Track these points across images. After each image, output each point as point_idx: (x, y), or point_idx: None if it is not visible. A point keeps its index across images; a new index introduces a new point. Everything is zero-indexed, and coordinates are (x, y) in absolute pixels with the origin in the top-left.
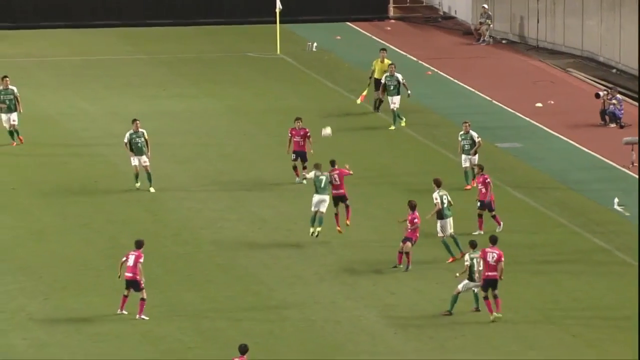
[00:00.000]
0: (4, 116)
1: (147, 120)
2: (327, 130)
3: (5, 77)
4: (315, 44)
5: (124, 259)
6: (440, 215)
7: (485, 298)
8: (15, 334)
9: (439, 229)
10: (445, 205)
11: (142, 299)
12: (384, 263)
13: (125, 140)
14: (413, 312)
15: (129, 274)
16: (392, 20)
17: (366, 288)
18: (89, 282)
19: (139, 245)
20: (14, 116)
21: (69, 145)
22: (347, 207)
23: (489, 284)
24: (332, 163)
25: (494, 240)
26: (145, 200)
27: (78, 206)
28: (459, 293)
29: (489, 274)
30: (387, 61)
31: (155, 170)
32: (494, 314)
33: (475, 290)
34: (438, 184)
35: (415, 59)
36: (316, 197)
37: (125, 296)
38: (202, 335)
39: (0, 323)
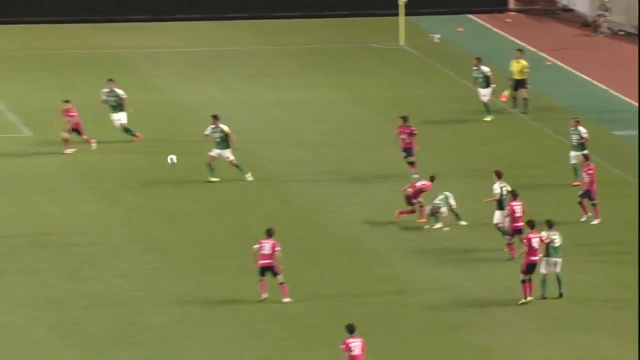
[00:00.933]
0: (113, 115)
1: (276, 108)
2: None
3: (110, 80)
4: (437, 36)
5: (257, 246)
6: (500, 206)
7: (523, 282)
8: (152, 312)
9: (496, 217)
10: (504, 196)
11: (282, 283)
12: (502, 248)
13: (207, 133)
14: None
15: (265, 261)
16: (512, 13)
17: (485, 271)
18: (220, 262)
19: (270, 233)
20: (119, 116)
21: (199, 132)
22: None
23: (531, 268)
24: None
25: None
26: (272, 184)
27: (209, 190)
28: (545, 275)
29: (533, 258)
30: (522, 62)
31: (283, 156)
32: (529, 297)
33: (558, 270)
34: (499, 175)
35: (534, 49)
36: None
37: (262, 281)
38: (328, 315)
39: (139, 301)
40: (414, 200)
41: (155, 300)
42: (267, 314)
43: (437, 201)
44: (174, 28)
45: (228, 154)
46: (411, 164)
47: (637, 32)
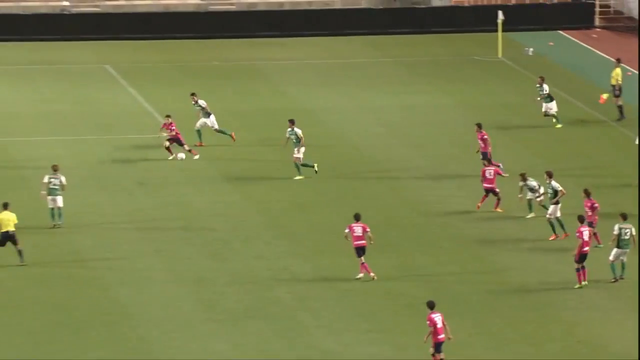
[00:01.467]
0: (207, 121)
1: (391, 112)
2: (181, 155)
3: (193, 94)
4: (531, 49)
5: (347, 230)
6: (557, 201)
7: (577, 270)
8: (280, 289)
9: (550, 211)
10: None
11: (363, 263)
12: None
13: (287, 136)
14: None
15: (360, 242)
16: (598, 29)
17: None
18: (339, 247)
19: (358, 217)
20: (209, 121)
21: (324, 134)
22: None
23: (583, 257)
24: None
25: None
26: (386, 179)
27: (333, 183)
28: (613, 262)
29: (584, 249)
30: (617, 70)
31: (396, 154)
32: (583, 282)
33: (624, 259)
34: (550, 175)
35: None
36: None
37: (363, 263)
38: (433, 292)
39: (269, 280)
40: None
41: (282, 279)
42: (380, 291)
43: (532, 194)
44: (302, 43)
45: (297, 154)
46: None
47: None
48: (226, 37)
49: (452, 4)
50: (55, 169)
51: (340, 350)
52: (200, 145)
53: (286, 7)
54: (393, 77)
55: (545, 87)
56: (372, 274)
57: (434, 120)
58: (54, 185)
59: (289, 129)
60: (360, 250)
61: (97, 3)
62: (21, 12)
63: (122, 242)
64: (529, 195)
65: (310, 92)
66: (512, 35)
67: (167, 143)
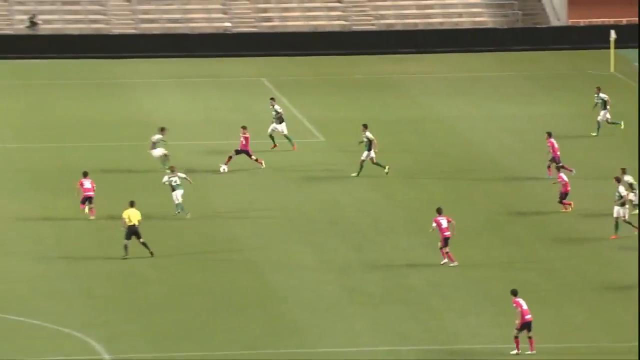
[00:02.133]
0: (279, 126)
1: (515, 121)
2: (224, 168)
3: (272, 98)
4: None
5: (434, 225)
6: (622, 204)
7: None
8: (415, 276)
9: (615, 212)
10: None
11: (448, 252)
12: None
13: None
14: None
15: (447, 233)
16: None
17: None
18: (467, 239)
19: (440, 211)
20: (280, 127)
21: (454, 140)
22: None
23: None
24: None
25: None
26: (511, 179)
27: (464, 184)
28: None
29: None
30: None
31: (520, 158)
32: None
33: None
34: (618, 180)
35: None
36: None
37: (442, 248)
38: (552, 282)
39: (405, 268)
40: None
41: (417, 268)
42: (504, 280)
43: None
44: (435, 59)
45: (370, 154)
46: (557, 169)
47: None
48: (367, 53)
49: (569, 24)
50: (172, 169)
51: (468, 332)
52: (275, 147)
53: (420, 27)
54: (516, 89)
55: (603, 95)
56: (454, 262)
57: (553, 128)
58: (175, 182)
59: (363, 134)
60: (447, 241)
61: (255, 24)
62: (189, 32)
63: (276, 233)
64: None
65: (442, 102)
66: (623, 51)
67: (234, 152)
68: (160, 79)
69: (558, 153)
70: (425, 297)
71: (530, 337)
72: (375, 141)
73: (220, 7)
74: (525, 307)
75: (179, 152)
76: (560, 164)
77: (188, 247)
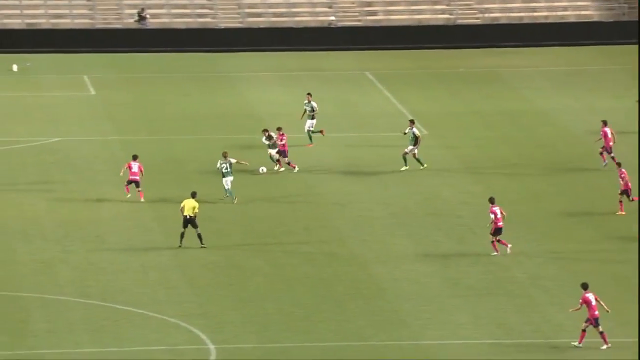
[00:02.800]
0: (308, 122)
1: (615, 113)
2: (263, 169)
3: (308, 94)
4: None
5: (492, 216)
6: None
7: None
8: (516, 269)
9: None
10: None
11: (500, 240)
12: None
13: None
14: None
15: (501, 223)
16: None
17: None
18: (569, 232)
19: (493, 201)
20: (309, 123)
21: (556, 132)
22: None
23: None
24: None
25: None
26: (611, 171)
27: (565, 176)
28: None
29: None
30: None
31: (620, 150)
32: None
33: None
34: None
35: None
36: None
37: (500, 241)
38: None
39: (506, 261)
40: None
41: (518, 261)
42: (605, 275)
43: None
44: (539, 52)
45: (414, 149)
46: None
47: None
48: (471, 47)
49: None
50: (225, 155)
51: (570, 324)
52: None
53: (525, 20)
54: (618, 83)
55: None
56: (503, 250)
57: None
58: (225, 169)
59: (409, 128)
60: (498, 230)
61: (360, 17)
62: (294, 26)
63: (378, 226)
64: None
65: (544, 95)
66: None
67: (277, 155)
68: (265, 72)
69: (611, 143)
70: (527, 289)
71: (601, 333)
72: (420, 137)
73: (325, 1)
74: (594, 302)
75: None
76: (611, 154)
77: (292, 239)
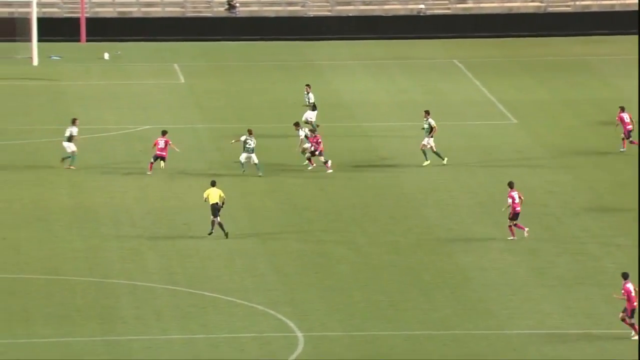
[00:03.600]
0: (311, 114)
1: None
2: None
3: (307, 85)
4: None
5: (510, 200)
6: None
7: None
8: (606, 259)
9: None
10: None
11: (517, 224)
12: None
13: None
14: None
15: (518, 208)
16: None
17: None
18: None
19: (512, 185)
20: (311, 114)
21: None
22: None
23: None
24: None
25: None
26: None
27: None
28: None
29: None
30: None
31: None
32: None
33: None
34: None
35: None
36: None
37: (510, 225)
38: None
39: (595, 251)
40: None
41: (607, 251)
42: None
43: None
44: (630, 40)
45: (430, 141)
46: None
47: None
48: (561, 35)
49: None
50: (250, 132)
51: None
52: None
53: (617, 8)
54: None
55: None
56: (520, 234)
57: None
58: (249, 145)
59: (425, 119)
60: (517, 215)
61: (449, 6)
62: (383, 14)
63: (464, 214)
64: None
65: (632, 84)
66: None
67: (307, 154)
68: (352, 60)
69: (629, 127)
70: (617, 279)
71: (632, 324)
72: (436, 128)
73: None
74: (633, 293)
75: (368, 133)
76: (630, 139)
77: (378, 227)
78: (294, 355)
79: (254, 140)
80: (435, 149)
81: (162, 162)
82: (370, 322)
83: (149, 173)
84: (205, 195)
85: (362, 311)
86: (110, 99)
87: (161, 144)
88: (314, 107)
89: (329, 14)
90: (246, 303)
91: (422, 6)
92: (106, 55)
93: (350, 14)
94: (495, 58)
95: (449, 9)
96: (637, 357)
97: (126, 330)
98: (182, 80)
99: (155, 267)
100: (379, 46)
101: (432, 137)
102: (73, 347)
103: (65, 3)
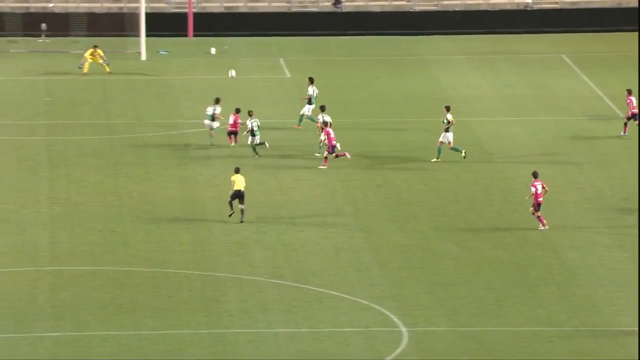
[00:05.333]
0: (306, 106)
1: None
2: (232, 73)
3: (310, 77)
4: None
5: (533, 189)
6: None
7: None
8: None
9: None
10: None
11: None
12: None
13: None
14: None
15: (541, 198)
16: None
17: None
18: None
19: (536, 175)
20: (308, 108)
21: None
22: None
23: None
24: None
25: None
26: None
27: None
28: None
29: None
30: None
31: None
32: None
33: None
34: None
35: None
36: None
37: (537, 216)
38: None
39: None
40: None
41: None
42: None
43: None
44: None
45: (449, 137)
46: None
47: None
48: None
49: None
50: (250, 114)
51: None
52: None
53: None
54: None
55: None
56: (545, 227)
57: None
58: (256, 126)
59: (446, 115)
60: (539, 206)
61: (558, 0)
62: (489, 9)
63: (572, 211)
64: None
65: None
66: None
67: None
68: (458, 55)
69: (635, 110)
70: None
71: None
72: (453, 122)
73: None
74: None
75: (473, 128)
76: (637, 122)
77: (484, 223)
78: (398, 350)
79: (257, 121)
80: (452, 146)
81: (235, 136)
82: (475, 318)
83: (232, 144)
84: (232, 180)
85: (467, 307)
86: (217, 93)
87: (230, 120)
88: (309, 101)
89: (434, 8)
90: (351, 297)
91: (529, 0)
92: (212, 50)
93: (456, 9)
94: (604, 53)
95: (556, 3)
96: (637, 358)
97: (232, 324)
98: (288, 75)
99: (260, 261)
100: (485, 41)
101: (449, 131)
102: (179, 339)
103: None
